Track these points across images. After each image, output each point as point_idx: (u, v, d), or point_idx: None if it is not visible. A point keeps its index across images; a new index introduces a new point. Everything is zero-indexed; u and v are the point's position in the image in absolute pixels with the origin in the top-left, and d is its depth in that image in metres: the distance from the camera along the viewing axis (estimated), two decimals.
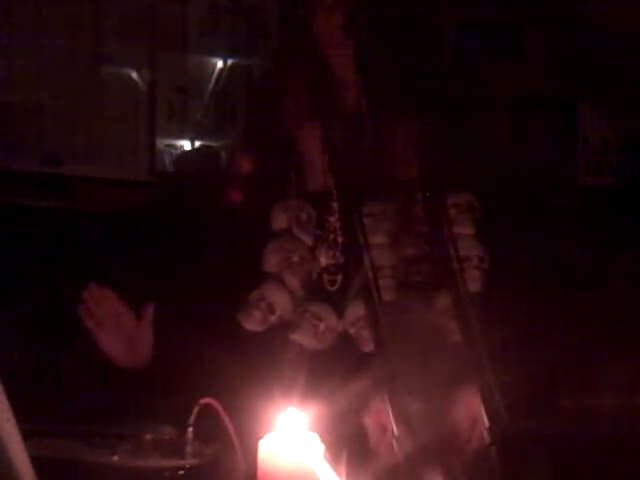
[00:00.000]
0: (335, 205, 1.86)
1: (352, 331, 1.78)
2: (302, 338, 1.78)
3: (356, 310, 1.77)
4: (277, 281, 1.80)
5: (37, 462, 1.12)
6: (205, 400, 1.42)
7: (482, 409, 1.65)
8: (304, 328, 1.78)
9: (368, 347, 1.76)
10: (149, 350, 1.82)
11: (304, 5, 1.85)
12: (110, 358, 1.81)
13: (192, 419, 1.47)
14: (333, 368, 1.77)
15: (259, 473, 1.07)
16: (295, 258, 1.80)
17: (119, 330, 1.81)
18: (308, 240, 1.83)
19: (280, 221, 1.83)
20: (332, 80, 1.86)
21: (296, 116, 1.86)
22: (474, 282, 1.80)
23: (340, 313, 1.80)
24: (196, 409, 1.45)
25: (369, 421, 1.71)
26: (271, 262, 1.81)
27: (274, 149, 1.89)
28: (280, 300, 1.79)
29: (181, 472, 1.48)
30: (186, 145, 2.97)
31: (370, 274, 1.68)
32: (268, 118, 1.90)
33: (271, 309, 1.79)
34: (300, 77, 1.85)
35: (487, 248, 1.84)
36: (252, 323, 1.80)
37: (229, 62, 3.00)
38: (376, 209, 1.80)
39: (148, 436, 1.57)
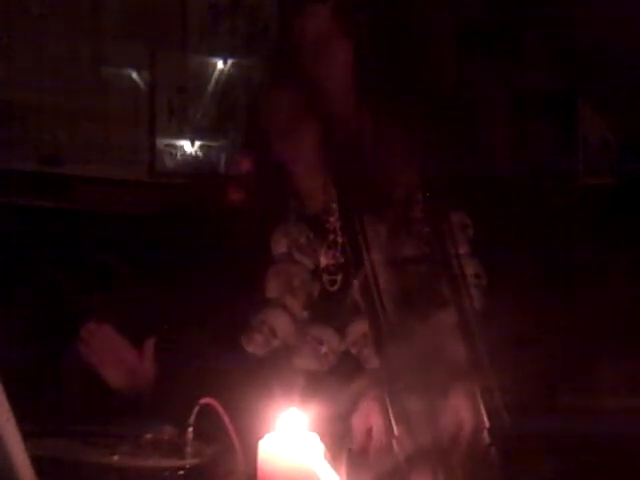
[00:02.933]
0: (335, 205, 1.86)
1: (354, 350, 1.80)
2: (304, 362, 1.80)
3: (358, 328, 1.78)
4: (279, 305, 1.82)
5: (37, 462, 1.12)
6: (205, 400, 1.42)
7: (482, 409, 1.65)
8: (306, 352, 1.80)
9: (370, 364, 1.77)
10: (151, 380, 1.84)
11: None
12: (113, 390, 1.83)
13: (192, 419, 1.47)
14: (335, 387, 1.77)
15: (259, 473, 1.07)
16: (296, 282, 1.82)
17: (121, 364, 1.84)
18: (308, 263, 1.85)
19: (280, 246, 1.85)
20: (330, 88, 1.86)
21: (290, 135, 1.86)
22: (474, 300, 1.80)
23: (342, 332, 1.80)
24: (196, 409, 1.45)
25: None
26: (272, 287, 1.83)
27: (272, 176, 1.90)
28: (282, 324, 1.81)
29: (181, 472, 1.48)
30: (186, 145, 2.96)
31: (370, 273, 1.69)
32: (265, 142, 1.90)
33: (273, 333, 1.81)
34: (298, 90, 1.86)
35: (483, 263, 1.85)
36: (254, 346, 1.82)
37: (229, 62, 3.00)
38: (375, 228, 1.81)
39: (148, 436, 1.57)
